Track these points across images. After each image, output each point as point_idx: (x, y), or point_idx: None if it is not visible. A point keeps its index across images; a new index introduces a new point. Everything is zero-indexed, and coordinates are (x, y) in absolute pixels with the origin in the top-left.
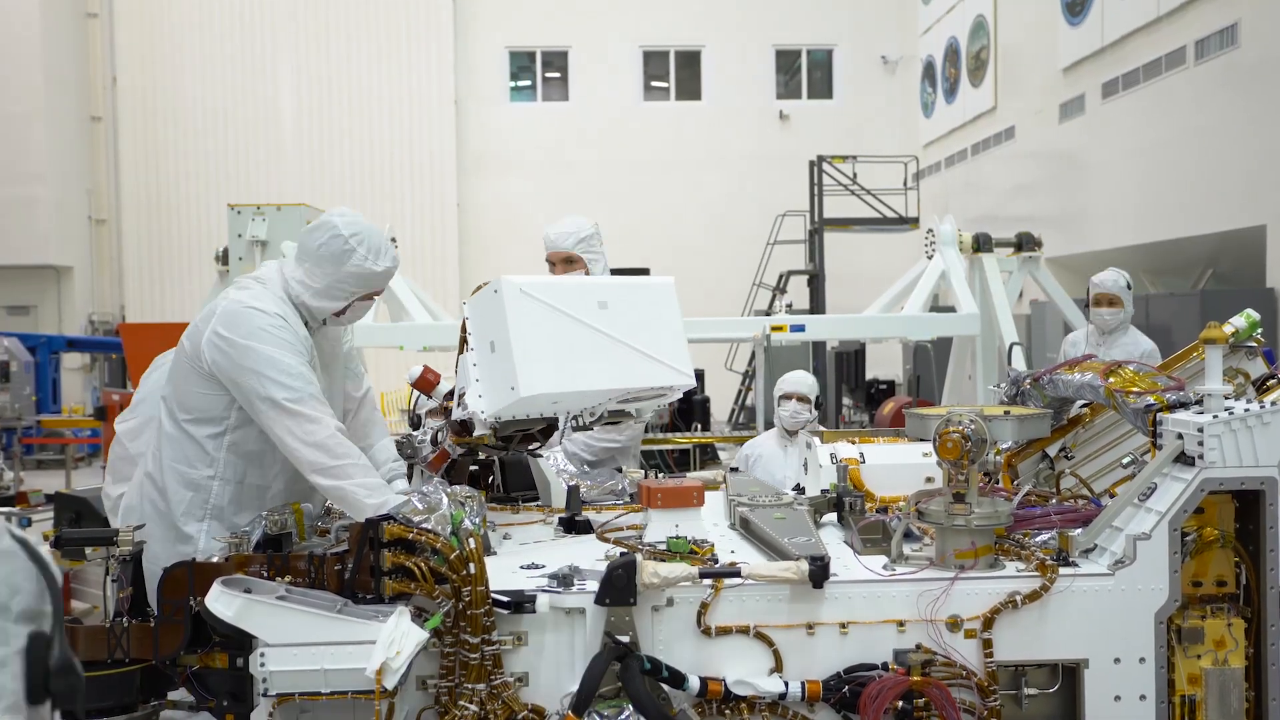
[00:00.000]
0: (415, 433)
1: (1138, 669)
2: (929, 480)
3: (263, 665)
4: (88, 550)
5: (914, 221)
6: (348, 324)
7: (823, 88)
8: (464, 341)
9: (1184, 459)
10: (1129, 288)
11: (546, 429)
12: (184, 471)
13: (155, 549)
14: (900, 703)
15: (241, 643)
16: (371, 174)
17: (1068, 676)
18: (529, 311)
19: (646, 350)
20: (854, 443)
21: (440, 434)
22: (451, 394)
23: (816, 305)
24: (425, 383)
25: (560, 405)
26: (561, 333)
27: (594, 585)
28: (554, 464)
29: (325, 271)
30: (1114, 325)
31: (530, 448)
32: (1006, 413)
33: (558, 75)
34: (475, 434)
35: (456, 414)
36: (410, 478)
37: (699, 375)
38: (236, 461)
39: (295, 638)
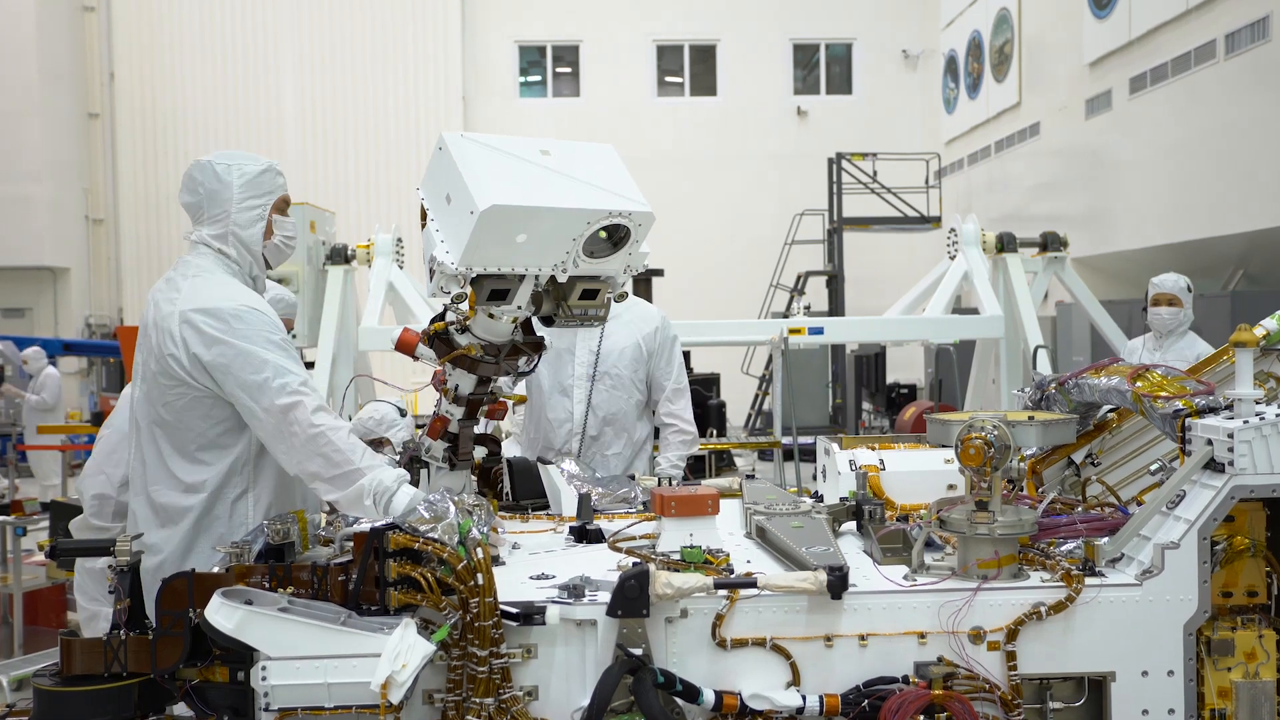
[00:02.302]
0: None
1: (1166, 682)
2: (951, 488)
3: (264, 679)
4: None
5: (936, 221)
6: (287, 251)
7: (842, 83)
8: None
9: (1213, 465)
10: (1189, 290)
11: (537, 344)
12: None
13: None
14: (921, 717)
15: (242, 656)
16: (377, 171)
17: (1094, 690)
18: (476, 153)
19: (596, 183)
20: (874, 449)
21: (436, 405)
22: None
23: (835, 307)
24: (406, 343)
25: (526, 247)
26: (512, 167)
27: (605, 596)
28: (565, 471)
29: (224, 200)
30: (1173, 326)
31: (521, 367)
32: (1031, 418)
33: (569, 70)
34: (451, 304)
35: (430, 288)
36: (417, 482)
37: (715, 379)
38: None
39: (298, 651)
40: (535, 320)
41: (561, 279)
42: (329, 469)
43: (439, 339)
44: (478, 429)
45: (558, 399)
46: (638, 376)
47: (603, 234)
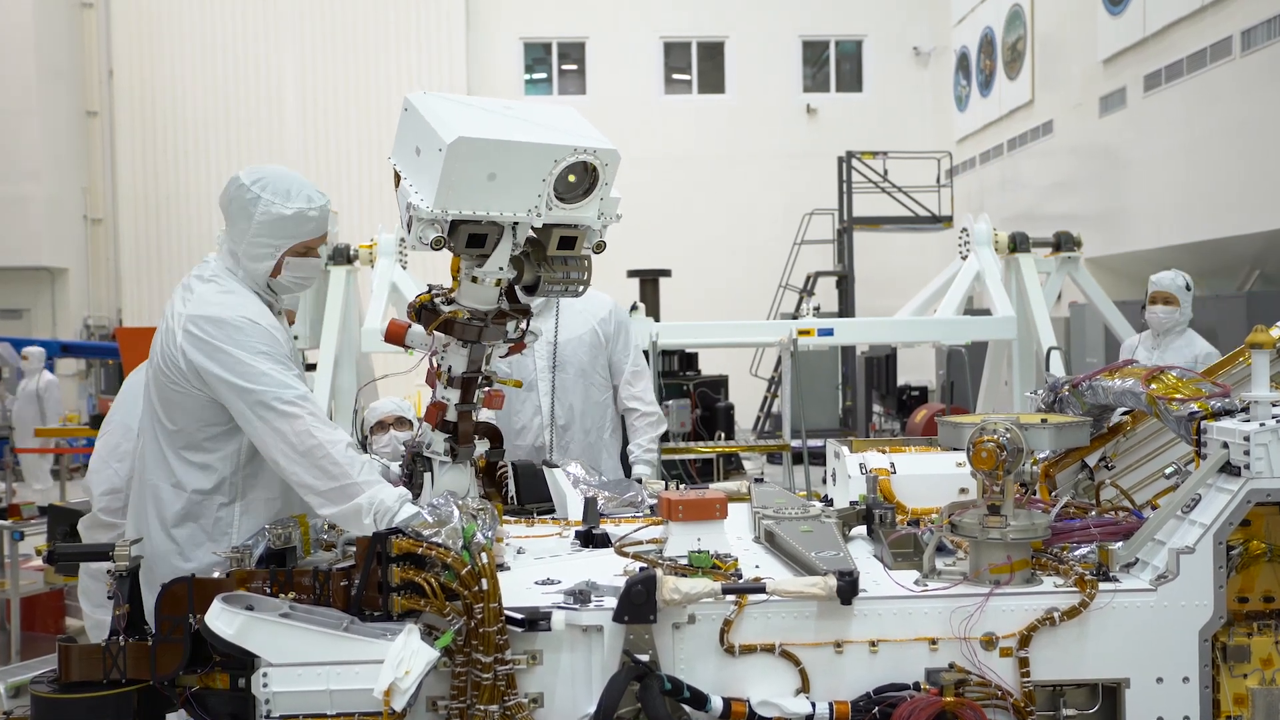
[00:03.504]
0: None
1: (1181, 689)
2: (963, 491)
3: (265, 686)
4: (83, 565)
5: (947, 220)
6: (297, 289)
7: (852, 80)
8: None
9: (1229, 469)
10: (1189, 289)
11: (524, 309)
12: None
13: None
14: None
15: (243, 662)
16: (379, 170)
17: (1108, 697)
18: (441, 104)
19: (559, 127)
20: (884, 452)
21: (434, 390)
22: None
23: (845, 308)
24: (394, 334)
25: (498, 188)
26: (476, 113)
27: (612, 601)
28: (570, 475)
29: (240, 229)
30: (1169, 325)
31: (510, 333)
32: (1044, 421)
33: (575, 67)
34: (431, 248)
35: (408, 240)
36: (420, 488)
37: (723, 382)
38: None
39: (299, 657)
40: (520, 293)
41: (536, 224)
42: (325, 482)
43: (426, 309)
44: (477, 417)
45: (523, 395)
46: (598, 363)
47: (571, 178)
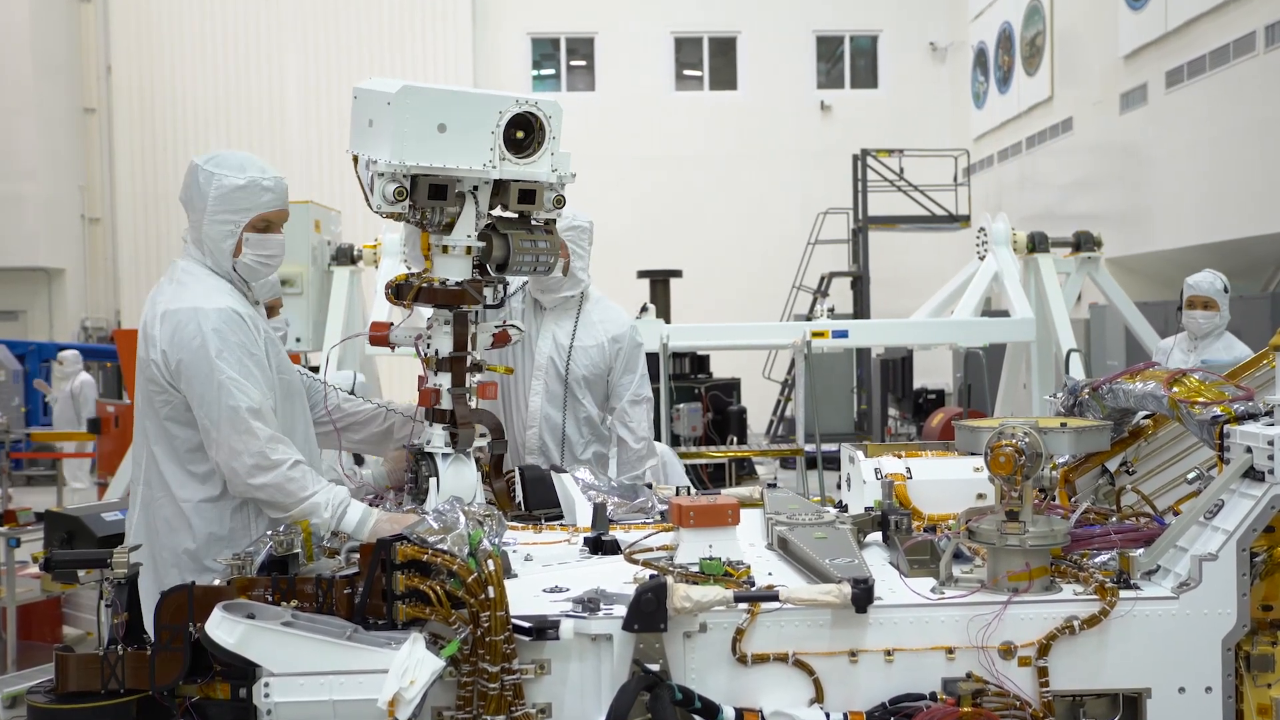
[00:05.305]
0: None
1: (1204, 699)
2: (980, 497)
3: (267, 696)
4: (80, 573)
5: (965, 220)
6: (261, 270)
7: (867, 76)
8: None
9: (1253, 474)
10: (1226, 290)
11: (501, 278)
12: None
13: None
14: None
15: (244, 672)
16: None
17: (1129, 707)
18: (388, 80)
19: (501, 89)
20: (900, 456)
21: (427, 377)
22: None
23: (860, 309)
24: (378, 338)
25: (450, 140)
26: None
27: (621, 610)
28: (579, 481)
29: (199, 211)
30: (1207, 330)
31: (489, 300)
32: (1063, 424)
33: (583, 63)
34: (394, 201)
35: (374, 204)
36: (426, 492)
37: (735, 385)
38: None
39: (302, 666)
40: (493, 271)
41: (492, 175)
42: (278, 495)
43: (402, 286)
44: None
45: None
46: (598, 379)
47: (520, 134)
